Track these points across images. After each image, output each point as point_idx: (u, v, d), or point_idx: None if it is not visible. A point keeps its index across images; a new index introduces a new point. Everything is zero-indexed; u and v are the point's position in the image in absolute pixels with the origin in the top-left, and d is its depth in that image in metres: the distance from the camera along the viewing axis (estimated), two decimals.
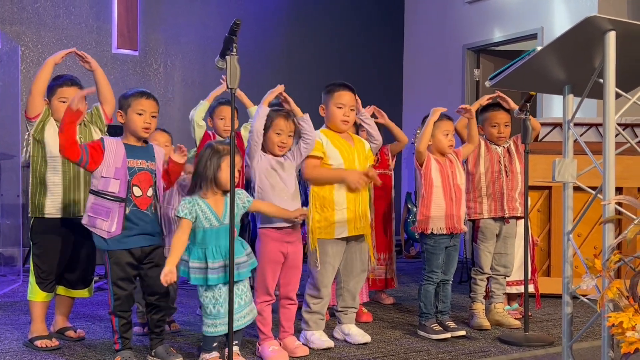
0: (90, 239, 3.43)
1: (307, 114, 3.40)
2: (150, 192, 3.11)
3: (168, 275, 2.81)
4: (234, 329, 2.87)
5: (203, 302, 3.02)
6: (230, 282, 2.82)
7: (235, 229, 2.96)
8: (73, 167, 3.42)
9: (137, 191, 3.07)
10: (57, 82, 3.52)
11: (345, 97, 3.57)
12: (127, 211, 3.04)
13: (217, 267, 2.97)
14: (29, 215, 3.48)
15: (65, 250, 3.47)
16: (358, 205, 3.52)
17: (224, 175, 2.95)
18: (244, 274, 3.03)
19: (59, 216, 3.43)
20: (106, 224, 3.03)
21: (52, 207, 3.42)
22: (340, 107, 3.55)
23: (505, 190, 4.06)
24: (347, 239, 3.55)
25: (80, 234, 3.42)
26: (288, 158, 3.36)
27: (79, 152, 2.96)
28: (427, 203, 3.78)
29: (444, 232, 3.75)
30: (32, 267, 3.45)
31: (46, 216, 3.42)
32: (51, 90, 3.50)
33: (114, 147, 3.06)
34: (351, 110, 3.58)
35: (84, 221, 3.11)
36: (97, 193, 3.05)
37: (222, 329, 2.98)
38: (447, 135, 3.82)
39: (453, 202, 3.78)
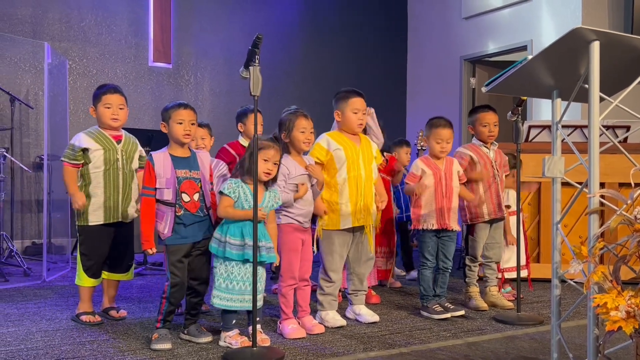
0: (127, 234, 3.59)
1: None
2: (197, 197, 3.13)
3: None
4: (250, 308, 2.98)
5: (226, 277, 3.02)
6: (254, 261, 2.90)
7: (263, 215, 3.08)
8: (113, 179, 3.47)
9: (185, 197, 3.10)
10: (102, 90, 3.54)
11: (359, 103, 3.56)
12: (180, 213, 3.08)
13: (252, 245, 2.98)
14: (76, 223, 3.53)
15: (107, 247, 3.54)
16: (360, 200, 3.50)
17: (258, 167, 2.96)
18: (267, 257, 3.05)
19: (102, 222, 3.48)
20: (161, 227, 3.09)
21: (95, 215, 3.46)
22: (356, 112, 3.54)
23: (500, 193, 4.02)
24: (353, 230, 3.54)
25: (119, 232, 3.55)
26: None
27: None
28: (417, 204, 3.77)
29: (435, 228, 3.74)
30: (79, 260, 3.52)
31: (90, 224, 3.47)
32: (97, 97, 3.52)
33: (161, 161, 3.10)
34: (364, 114, 3.58)
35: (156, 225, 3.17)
36: (157, 201, 3.11)
37: (237, 305, 3.01)
38: (439, 143, 3.78)
39: (444, 200, 3.74)
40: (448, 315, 3.69)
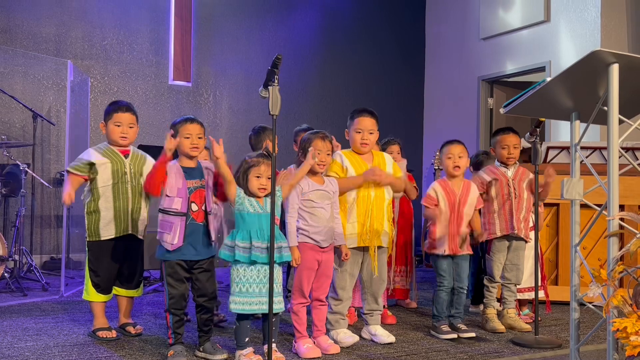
0: (137, 249, 3.59)
1: None
2: (204, 207, 3.17)
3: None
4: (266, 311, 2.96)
5: (238, 281, 3.02)
6: (270, 266, 2.87)
7: (277, 217, 3.09)
8: (122, 192, 3.50)
9: (194, 207, 3.13)
10: (113, 107, 3.59)
11: (364, 122, 3.57)
12: (187, 222, 3.11)
13: (259, 247, 2.99)
14: (87, 238, 3.55)
15: (116, 262, 3.55)
16: (367, 220, 3.50)
17: (252, 184, 3.05)
18: (284, 257, 3.06)
19: (113, 236, 3.50)
20: (170, 237, 3.09)
21: (106, 230, 3.49)
22: (359, 132, 3.57)
23: (513, 211, 4.00)
24: (365, 249, 3.54)
25: (130, 247, 3.56)
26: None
27: (160, 189, 3.10)
28: (432, 229, 3.78)
29: (447, 254, 3.74)
30: (87, 275, 3.54)
31: (102, 239, 3.50)
32: (108, 114, 3.57)
33: (173, 171, 3.14)
34: (370, 133, 3.58)
35: (158, 236, 3.19)
36: (163, 211, 3.13)
37: (255, 307, 3.00)
38: (450, 158, 3.79)
39: (455, 227, 3.75)
40: (455, 335, 3.66)
